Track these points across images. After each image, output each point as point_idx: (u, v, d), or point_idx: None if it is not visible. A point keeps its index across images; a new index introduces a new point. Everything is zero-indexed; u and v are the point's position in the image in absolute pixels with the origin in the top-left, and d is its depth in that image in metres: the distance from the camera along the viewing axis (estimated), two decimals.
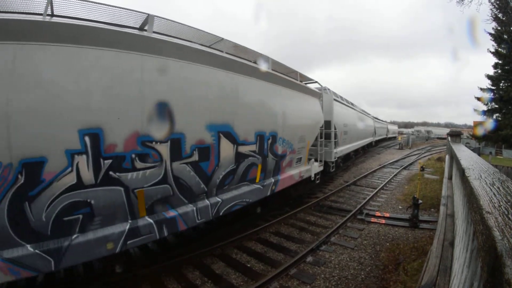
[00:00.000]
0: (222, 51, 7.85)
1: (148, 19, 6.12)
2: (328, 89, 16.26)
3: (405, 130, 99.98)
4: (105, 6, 5.77)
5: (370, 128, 35.35)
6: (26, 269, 4.57)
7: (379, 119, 52.43)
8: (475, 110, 30.54)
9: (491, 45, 28.27)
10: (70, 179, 4.81)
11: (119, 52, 5.33)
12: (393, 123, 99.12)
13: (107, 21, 6.16)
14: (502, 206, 1.70)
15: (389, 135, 64.85)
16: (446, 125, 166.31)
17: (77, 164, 4.85)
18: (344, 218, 10.47)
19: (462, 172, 3.53)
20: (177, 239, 8.29)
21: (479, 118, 30.96)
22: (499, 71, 28.18)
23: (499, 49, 27.74)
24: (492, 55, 28.28)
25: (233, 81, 7.72)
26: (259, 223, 10.13)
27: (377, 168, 22.95)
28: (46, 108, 4.44)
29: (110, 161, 5.24)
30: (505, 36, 26.75)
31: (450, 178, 9.22)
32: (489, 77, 28.85)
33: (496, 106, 28.47)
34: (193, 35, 7.49)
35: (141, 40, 5.75)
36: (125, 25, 6.36)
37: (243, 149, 8.09)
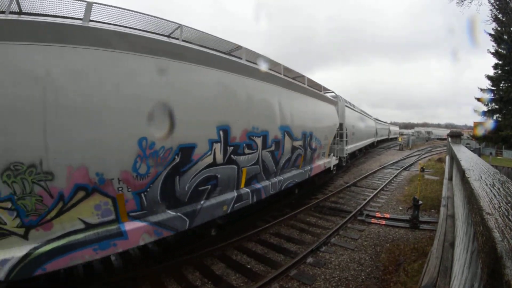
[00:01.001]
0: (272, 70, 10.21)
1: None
2: (341, 97, 19.08)
3: (405, 131, 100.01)
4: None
5: (372, 129, 38.69)
6: (168, 229, 6.40)
7: (381, 121, 57.09)
8: (475, 110, 30.55)
9: (491, 45, 28.30)
10: (209, 159, 7.20)
11: (234, 74, 8.15)
12: (394, 124, 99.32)
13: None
14: (502, 207, 1.70)
15: (391, 136, 68.10)
16: (447, 126, 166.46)
17: (214, 149, 7.27)
18: (344, 219, 10.48)
19: (462, 173, 3.53)
20: (177, 240, 8.27)
21: (479, 118, 30.95)
22: (499, 72, 28.18)
23: (499, 50, 27.75)
24: (492, 55, 28.30)
25: (290, 96, 11.07)
26: (259, 224, 10.16)
27: (378, 169, 22.98)
28: (199, 114, 6.81)
29: (232, 148, 7.89)
30: (505, 37, 26.76)
31: (450, 179, 9.22)
32: (489, 77, 28.85)
33: (496, 106, 28.48)
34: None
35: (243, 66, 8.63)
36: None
37: (295, 143, 11.28)
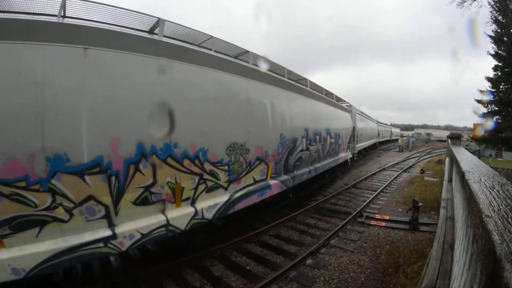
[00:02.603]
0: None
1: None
2: (353, 106, 24.40)
3: (405, 133, 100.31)
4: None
5: (375, 131, 42.85)
6: (285, 186, 11.05)
7: (383, 123, 63.51)
8: (475, 112, 30.51)
9: (491, 47, 28.29)
10: (301, 147, 12.19)
11: (315, 100, 14.33)
12: (394, 125, 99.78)
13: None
14: (501, 210, 1.71)
15: (393, 137, 73.04)
16: (446, 128, 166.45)
17: (302, 141, 12.26)
18: (344, 221, 10.48)
19: (462, 175, 3.54)
20: (176, 241, 8.25)
21: (479, 120, 30.92)
22: (499, 73, 28.18)
23: (499, 51, 27.76)
24: (492, 57, 28.30)
25: (328, 108, 16.46)
26: (259, 225, 10.16)
27: (377, 170, 23.04)
28: (301, 121, 12.28)
29: (308, 141, 12.87)
30: (505, 38, 26.78)
31: (450, 180, 9.23)
32: (489, 79, 28.85)
33: (496, 108, 28.47)
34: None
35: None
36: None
37: (331, 140, 16.49)
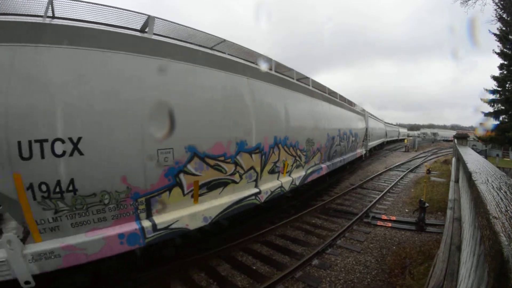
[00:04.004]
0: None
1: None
2: (366, 110, 28.44)
3: (411, 133, 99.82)
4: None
5: (382, 131, 46.15)
6: (330, 169, 15.45)
7: (390, 124, 68.20)
8: (481, 112, 30.26)
9: (496, 45, 28.00)
10: (337, 142, 16.49)
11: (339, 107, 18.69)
12: (400, 125, 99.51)
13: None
14: (509, 211, 1.71)
15: (400, 137, 74.09)
16: (453, 127, 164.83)
17: (337, 138, 16.50)
18: (350, 221, 10.44)
19: (469, 175, 3.53)
20: (183, 241, 8.27)
21: (485, 120, 30.67)
22: (505, 72, 27.85)
23: (504, 50, 27.47)
24: (497, 56, 28.02)
25: (348, 113, 20.23)
26: (265, 225, 10.16)
27: (383, 171, 22.92)
28: (334, 123, 16.27)
29: (340, 138, 17.23)
30: (510, 37, 26.56)
31: (456, 181, 9.20)
32: (494, 78, 28.53)
33: (503, 107, 28.21)
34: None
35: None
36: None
37: (352, 138, 20.10)
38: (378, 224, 10.50)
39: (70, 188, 4.99)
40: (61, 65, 4.96)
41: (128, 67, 5.70)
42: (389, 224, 10.42)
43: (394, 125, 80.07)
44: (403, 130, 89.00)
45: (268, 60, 10.21)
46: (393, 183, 17.49)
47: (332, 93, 17.01)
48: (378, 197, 14.02)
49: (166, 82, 6.26)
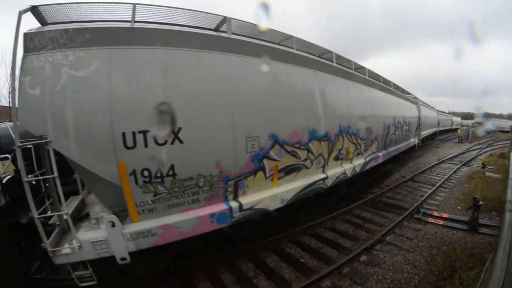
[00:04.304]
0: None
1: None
2: (418, 98, 27.51)
3: (464, 122, 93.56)
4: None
5: (435, 119, 44.69)
6: (386, 157, 15.89)
7: (443, 112, 67.45)
8: None
9: None
10: (392, 131, 16.80)
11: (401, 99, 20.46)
12: (453, 113, 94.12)
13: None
14: None
15: (454, 126, 69.70)
16: (510, 117, 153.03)
17: (392, 127, 16.73)
18: (400, 217, 10.36)
19: None
20: (232, 230, 8.55)
21: None
22: None
23: None
24: None
25: (401, 101, 20.43)
26: (315, 217, 10.30)
27: (436, 163, 22.05)
28: (389, 113, 16.57)
29: (395, 127, 17.25)
30: None
31: None
32: None
33: None
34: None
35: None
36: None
37: (405, 127, 20.06)
38: (429, 221, 10.34)
39: (170, 173, 5.82)
40: (157, 64, 5.73)
41: (218, 64, 6.50)
42: (441, 222, 10.20)
43: (447, 113, 76.81)
44: (457, 119, 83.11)
45: (329, 52, 10.59)
46: (446, 177, 16.87)
47: (386, 81, 17.04)
48: (429, 191, 13.69)
49: (251, 78, 7.09)
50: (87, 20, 6.03)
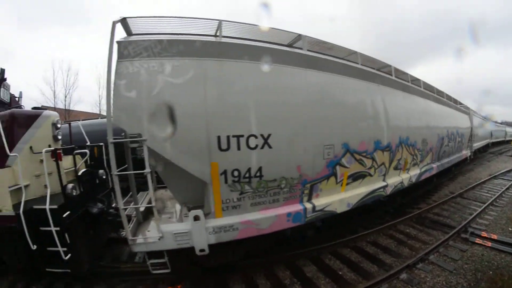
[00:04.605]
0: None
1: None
2: (470, 108, 26.47)
3: None
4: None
5: (487, 131, 41.82)
6: (438, 169, 15.76)
7: (496, 123, 61.12)
8: None
9: None
10: (445, 143, 16.72)
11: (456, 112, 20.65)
12: (506, 123, 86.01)
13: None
14: None
15: (507, 138, 64.26)
16: None
17: (445, 139, 16.52)
18: (446, 235, 9.95)
19: None
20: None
21: None
22: None
23: None
24: None
25: (455, 113, 20.29)
26: (358, 229, 10.20)
27: (487, 178, 20.67)
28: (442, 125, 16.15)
29: (448, 138, 17.01)
30: None
31: None
32: None
33: None
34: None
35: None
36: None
37: (458, 139, 19.54)
38: (476, 241, 9.74)
39: (258, 174, 6.59)
40: (246, 76, 6.54)
41: (298, 79, 7.29)
42: (489, 244, 9.62)
43: (500, 123, 70.40)
44: (511, 130, 75.11)
45: (388, 66, 11.08)
46: (497, 195, 15.65)
47: (439, 92, 17.11)
48: (479, 210, 12.85)
49: (326, 92, 7.89)
50: (171, 33, 6.66)
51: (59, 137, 8.21)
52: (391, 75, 11.25)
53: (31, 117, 7.41)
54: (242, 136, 6.25)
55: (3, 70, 8.87)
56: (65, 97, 38.23)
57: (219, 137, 6.08)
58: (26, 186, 6.54)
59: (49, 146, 7.52)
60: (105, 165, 8.67)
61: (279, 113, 6.73)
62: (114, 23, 5.71)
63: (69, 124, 10.32)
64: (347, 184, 8.68)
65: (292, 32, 7.74)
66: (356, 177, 8.95)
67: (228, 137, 6.13)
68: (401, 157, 11.04)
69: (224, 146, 6.13)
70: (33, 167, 7.07)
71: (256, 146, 6.40)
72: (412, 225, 11.25)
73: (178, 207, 7.76)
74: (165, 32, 6.61)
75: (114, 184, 5.94)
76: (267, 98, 6.63)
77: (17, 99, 10.20)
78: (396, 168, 10.98)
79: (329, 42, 8.64)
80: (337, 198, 8.27)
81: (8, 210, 6.28)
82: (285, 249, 8.43)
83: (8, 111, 7.53)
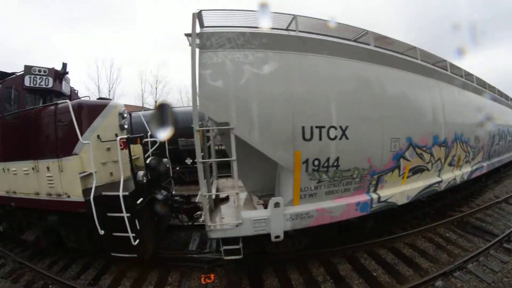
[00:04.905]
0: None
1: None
2: None
3: None
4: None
5: None
6: (488, 168, 15.08)
7: None
8: None
9: None
10: (496, 141, 15.60)
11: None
12: None
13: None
14: None
15: None
16: None
17: (496, 137, 15.44)
18: (488, 243, 9.24)
19: None
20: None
21: None
22: None
23: None
24: None
25: (506, 108, 18.91)
26: (396, 230, 9.97)
27: None
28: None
29: (499, 137, 15.86)
30: None
31: None
32: None
33: None
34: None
35: None
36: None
37: (509, 138, 18.38)
38: None
39: (335, 164, 6.96)
40: (324, 70, 6.91)
41: (369, 75, 7.69)
42: None
43: None
44: None
45: (443, 61, 11.14)
46: None
47: (491, 88, 16.42)
48: None
49: (392, 86, 8.21)
50: (240, 25, 6.94)
51: (126, 126, 8.53)
52: (447, 70, 11.21)
53: (99, 107, 7.71)
54: (324, 127, 6.62)
55: (65, 65, 9.26)
56: (109, 91, 41.21)
57: (303, 128, 6.45)
58: (94, 173, 6.84)
59: (116, 135, 7.81)
60: (167, 154, 9.23)
61: (355, 107, 7.11)
62: (194, 15, 6.07)
63: (130, 114, 10.76)
64: (408, 177, 8.99)
65: (358, 27, 8.06)
66: (416, 171, 9.23)
67: (311, 127, 6.51)
68: (455, 153, 11.14)
69: (307, 136, 6.50)
70: (100, 155, 7.38)
71: (335, 137, 6.75)
72: (453, 229, 10.64)
73: (242, 195, 7.98)
74: (235, 25, 6.88)
75: (198, 171, 6.33)
76: (345, 92, 7.03)
77: (76, 91, 10.67)
78: (450, 164, 11.09)
79: (390, 37, 8.88)
80: (398, 190, 8.60)
81: (77, 196, 6.64)
82: (318, 246, 8.35)
83: (76, 100, 7.91)
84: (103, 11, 71.70)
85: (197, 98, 6.14)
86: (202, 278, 7.23)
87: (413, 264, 8.03)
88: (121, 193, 6.10)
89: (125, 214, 6.12)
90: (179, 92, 57.00)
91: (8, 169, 8.10)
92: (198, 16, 6.31)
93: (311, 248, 8.24)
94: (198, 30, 6.23)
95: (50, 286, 7.38)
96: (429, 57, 10.49)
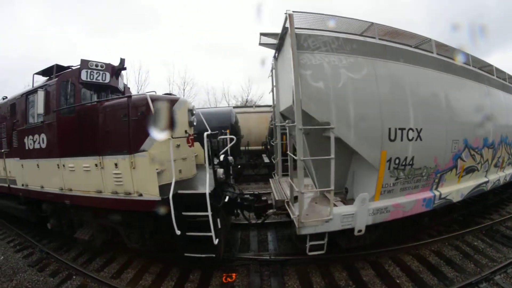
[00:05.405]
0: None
1: None
2: None
3: None
4: None
5: None
6: None
7: None
8: None
9: None
10: None
11: None
12: None
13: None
14: None
15: None
16: None
17: None
18: None
19: None
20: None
21: None
22: None
23: None
24: None
25: None
26: (422, 237, 9.72)
27: None
28: None
29: None
30: None
31: None
32: None
33: None
34: None
35: None
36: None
37: None
38: None
39: (410, 162, 7.52)
40: (404, 76, 7.51)
41: (436, 82, 8.18)
42: None
43: None
44: None
45: (489, 65, 11.40)
46: None
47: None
48: None
49: (453, 94, 8.55)
50: (321, 29, 7.43)
51: (194, 123, 8.41)
52: (493, 74, 11.55)
53: (170, 102, 7.31)
54: (404, 129, 7.17)
55: (123, 60, 8.91)
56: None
57: (389, 129, 7.01)
58: (163, 171, 6.80)
59: (185, 131, 7.86)
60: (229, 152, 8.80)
61: (428, 111, 7.67)
62: (291, 16, 6.41)
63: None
64: (462, 176, 9.43)
65: (419, 34, 8.51)
66: (468, 171, 9.64)
67: (395, 129, 7.06)
68: (500, 155, 11.41)
69: (392, 137, 7.05)
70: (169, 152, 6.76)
71: (412, 138, 7.30)
72: (481, 238, 9.90)
73: (309, 194, 8.56)
74: (317, 28, 7.39)
75: (298, 169, 6.60)
76: (420, 97, 7.58)
77: (129, 88, 10.67)
78: (495, 166, 11.37)
79: (448, 45, 9.21)
80: (454, 188, 9.07)
81: (153, 195, 6.38)
82: (341, 250, 8.18)
83: (142, 95, 7.55)
84: (129, 15, 73.75)
85: (294, 98, 6.40)
86: (224, 277, 7.29)
87: (438, 272, 7.70)
88: (207, 191, 6.07)
89: (209, 213, 6.10)
90: (206, 93, 57.68)
91: (63, 165, 7.76)
92: (289, 17, 6.51)
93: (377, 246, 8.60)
94: (299, 31, 6.71)
95: (74, 277, 7.67)
96: (477, 62, 10.79)
